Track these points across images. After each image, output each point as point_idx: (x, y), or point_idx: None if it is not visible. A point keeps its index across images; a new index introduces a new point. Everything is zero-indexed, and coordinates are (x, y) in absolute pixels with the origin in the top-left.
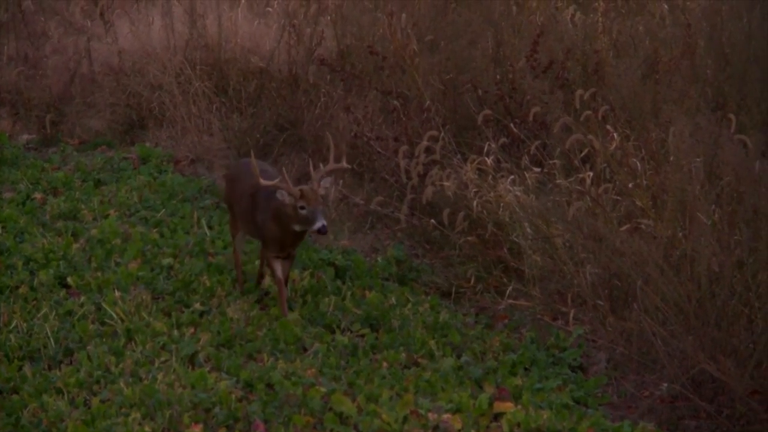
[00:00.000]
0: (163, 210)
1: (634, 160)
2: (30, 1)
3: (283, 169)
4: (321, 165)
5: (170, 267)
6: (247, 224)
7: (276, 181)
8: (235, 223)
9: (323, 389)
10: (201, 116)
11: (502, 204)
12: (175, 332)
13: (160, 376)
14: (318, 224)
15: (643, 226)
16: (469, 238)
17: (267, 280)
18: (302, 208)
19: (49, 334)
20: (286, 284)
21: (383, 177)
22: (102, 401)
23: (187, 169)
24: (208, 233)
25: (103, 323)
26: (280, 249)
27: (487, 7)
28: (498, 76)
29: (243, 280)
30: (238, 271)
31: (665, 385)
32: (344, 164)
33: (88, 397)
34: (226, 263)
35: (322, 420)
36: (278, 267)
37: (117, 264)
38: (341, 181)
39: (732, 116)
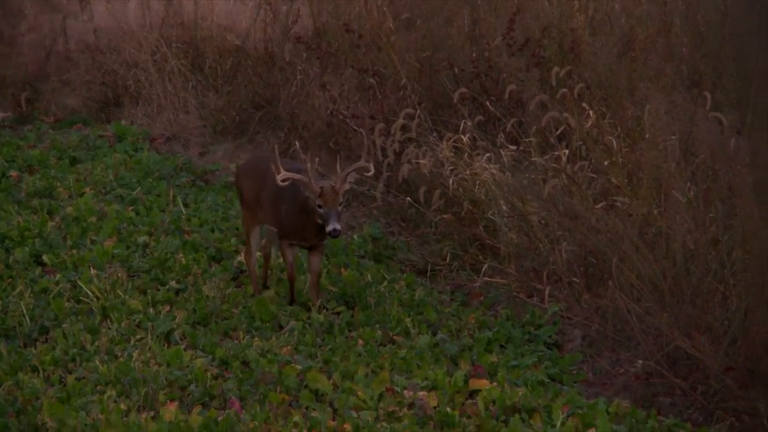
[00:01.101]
0: (139, 188)
1: (610, 137)
2: None
3: (308, 164)
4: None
5: (146, 245)
6: (269, 214)
7: (299, 175)
8: (254, 216)
9: (299, 367)
10: (177, 94)
11: (477, 182)
12: (151, 310)
13: (135, 354)
14: (330, 227)
15: (618, 204)
16: (445, 216)
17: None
18: (320, 206)
19: (25, 311)
20: (318, 284)
21: (359, 155)
22: (77, 379)
23: (162, 147)
24: (183, 211)
25: (78, 301)
26: (298, 238)
27: None
28: (474, 54)
29: (258, 281)
30: (252, 271)
31: (640, 362)
32: (370, 166)
33: (63, 375)
34: (240, 263)
35: (297, 397)
36: (291, 256)
37: (92, 242)
38: (317, 159)
39: (707, 94)
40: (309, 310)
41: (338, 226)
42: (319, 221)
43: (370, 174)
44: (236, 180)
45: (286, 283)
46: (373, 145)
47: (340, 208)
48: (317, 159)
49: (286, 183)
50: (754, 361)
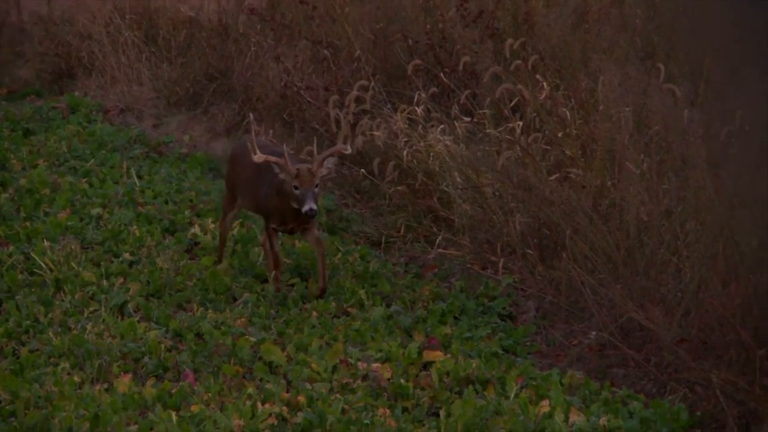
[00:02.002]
0: (93, 160)
1: (564, 109)
2: None
3: (285, 146)
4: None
5: (99, 217)
6: (250, 198)
7: (276, 157)
8: (233, 201)
9: (253, 339)
10: (130, 66)
11: (432, 153)
12: (105, 282)
13: (89, 326)
14: (305, 207)
15: (572, 176)
16: (399, 188)
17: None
18: (296, 188)
19: None
20: (324, 268)
21: (313, 126)
22: (31, 351)
23: (116, 119)
24: (137, 183)
25: (32, 273)
26: (281, 223)
27: None
28: (428, 26)
29: (222, 256)
30: (221, 247)
31: (594, 333)
32: (349, 148)
33: (16, 347)
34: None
35: (251, 369)
36: (276, 241)
37: (46, 214)
38: (271, 131)
39: (661, 66)
40: (263, 282)
41: (314, 206)
42: (294, 204)
43: (348, 153)
44: (229, 164)
45: (240, 255)
46: (336, 121)
47: (316, 190)
48: (271, 131)
49: (261, 161)
50: (707, 333)
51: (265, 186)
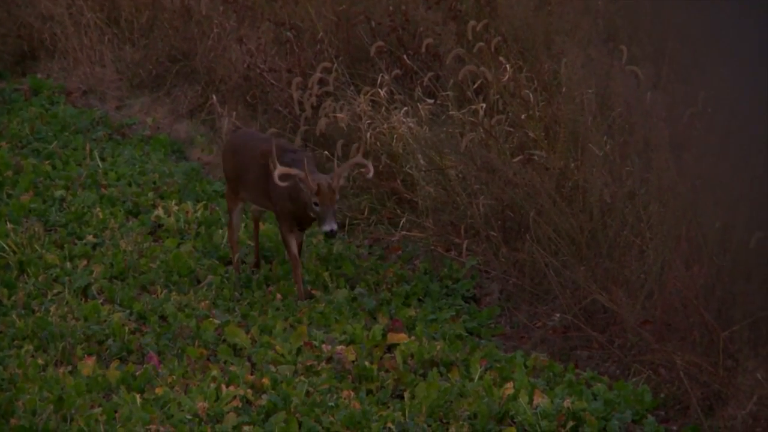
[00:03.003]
0: (55, 142)
1: (527, 91)
2: None
3: (305, 160)
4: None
5: (62, 199)
6: (258, 194)
7: (295, 170)
8: (236, 194)
9: (217, 321)
10: (93, 47)
11: (395, 135)
12: (68, 264)
13: (52, 309)
14: (326, 227)
15: (535, 158)
16: (363, 170)
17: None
18: (316, 204)
19: None
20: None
21: (276, 109)
22: None
23: (79, 101)
24: (100, 165)
25: None
26: (296, 224)
27: None
28: (391, 8)
29: (239, 260)
30: (233, 249)
31: (557, 315)
32: (369, 164)
33: None
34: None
35: (215, 352)
36: (293, 243)
37: (9, 196)
38: (234, 113)
39: (623, 48)
40: (227, 264)
41: (335, 227)
42: (311, 214)
43: (370, 176)
44: (222, 155)
45: (204, 237)
46: (299, 104)
47: (335, 208)
48: (234, 113)
49: (286, 183)
50: (671, 315)
51: (277, 189)
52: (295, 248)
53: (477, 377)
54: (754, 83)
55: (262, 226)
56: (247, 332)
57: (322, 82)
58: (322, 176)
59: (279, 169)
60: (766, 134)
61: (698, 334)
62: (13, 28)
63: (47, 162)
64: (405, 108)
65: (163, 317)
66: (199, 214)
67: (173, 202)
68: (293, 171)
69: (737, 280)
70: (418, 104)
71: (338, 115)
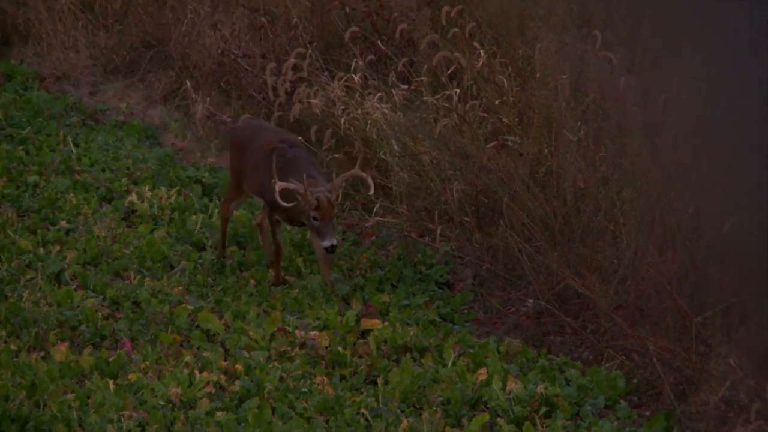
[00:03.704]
0: (29, 127)
1: (501, 77)
2: None
3: (305, 175)
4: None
5: (36, 185)
6: (256, 186)
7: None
8: (239, 190)
9: (190, 307)
10: (67, 33)
11: (369, 121)
12: (41, 250)
13: (25, 294)
14: (327, 243)
15: (509, 143)
16: (337, 156)
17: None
18: (315, 219)
19: None
20: (327, 262)
21: (251, 94)
22: None
23: (53, 87)
24: (74, 151)
25: None
26: (287, 219)
27: None
28: None
29: (224, 245)
30: (222, 238)
31: (531, 301)
32: (369, 178)
33: None
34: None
35: (189, 338)
36: (279, 230)
37: None
38: (208, 99)
39: (597, 33)
40: (200, 250)
41: (335, 242)
42: (312, 232)
43: (371, 192)
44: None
45: (177, 223)
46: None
47: (334, 222)
48: (208, 99)
49: (290, 204)
50: (644, 300)
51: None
52: (279, 235)
53: (450, 363)
54: (728, 68)
55: (235, 212)
56: (221, 318)
57: (296, 67)
58: (321, 189)
59: (279, 185)
60: (740, 120)
61: (671, 320)
62: None
63: (20, 147)
64: (379, 94)
65: (136, 303)
66: (172, 199)
67: (147, 188)
68: (292, 186)
69: (710, 265)
70: (392, 90)
71: (312, 100)
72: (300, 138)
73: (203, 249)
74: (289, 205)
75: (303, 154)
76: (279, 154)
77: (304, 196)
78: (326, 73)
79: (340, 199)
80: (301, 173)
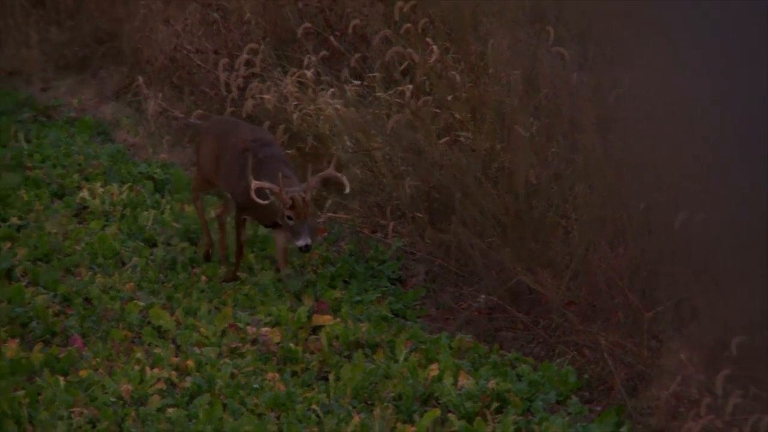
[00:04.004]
0: None
1: (454, 72)
2: None
3: (280, 174)
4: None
5: None
6: (229, 182)
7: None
8: (202, 183)
9: (141, 303)
10: (18, 29)
11: (322, 117)
12: None
13: None
14: (301, 242)
15: (462, 139)
16: (289, 151)
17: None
18: (290, 218)
19: None
20: (285, 254)
21: (203, 90)
22: None
23: (4, 83)
24: (25, 147)
25: None
26: (256, 218)
27: None
28: None
29: (211, 243)
30: (204, 227)
31: (483, 296)
32: (343, 178)
33: None
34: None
35: (140, 334)
36: (243, 230)
37: None
38: (160, 95)
39: (550, 29)
40: (152, 246)
41: (309, 242)
42: (287, 232)
43: (347, 191)
44: (200, 139)
45: (129, 219)
46: (226, 85)
47: (310, 221)
48: (160, 94)
49: (266, 202)
50: (596, 296)
51: (244, 181)
52: (243, 235)
53: (402, 359)
54: (679, 63)
55: (187, 208)
56: (172, 314)
57: (248, 63)
58: (295, 189)
59: (254, 184)
60: (692, 114)
61: (623, 315)
62: None
63: None
64: (332, 89)
65: (87, 299)
66: (124, 196)
67: (98, 184)
68: (267, 185)
69: (662, 260)
70: (345, 86)
71: (265, 96)
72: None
73: (155, 245)
74: (264, 203)
75: (277, 152)
76: (252, 153)
77: (279, 196)
78: (279, 69)
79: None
80: (276, 173)
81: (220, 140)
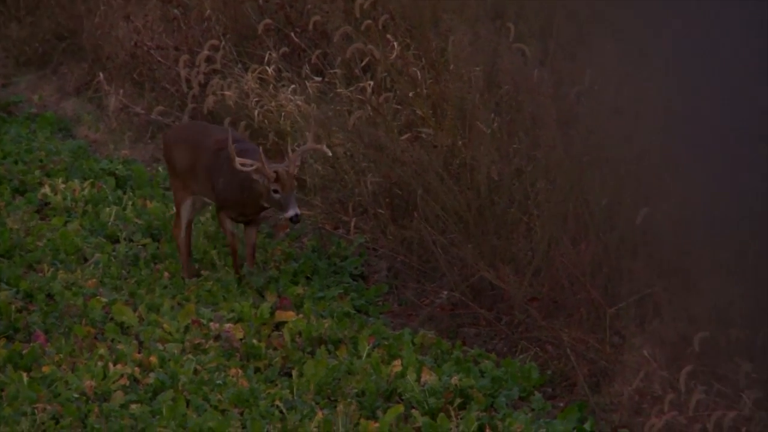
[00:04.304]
0: None
1: (415, 69)
2: None
3: (260, 148)
4: (297, 146)
5: None
6: (205, 185)
7: (251, 161)
8: (185, 186)
9: (104, 299)
10: None
11: (283, 113)
12: None
13: None
14: (290, 212)
15: (423, 135)
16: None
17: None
18: (275, 191)
19: None
20: (254, 251)
21: (164, 86)
22: None
23: None
24: None
25: None
26: (238, 215)
27: None
28: None
29: (190, 261)
30: (182, 248)
31: (445, 293)
32: (324, 147)
33: None
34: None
35: (103, 330)
36: (230, 223)
37: None
38: (121, 91)
39: (511, 25)
40: (114, 242)
41: (298, 211)
42: (267, 204)
43: (329, 155)
44: (165, 148)
45: (91, 215)
46: (186, 82)
47: (295, 193)
48: (121, 90)
49: (246, 170)
50: (558, 292)
51: (223, 174)
52: (232, 229)
53: (365, 355)
54: (640, 59)
55: (149, 205)
56: (135, 310)
57: (209, 59)
58: (278, 165)
59: (237, 160)
60: (652, 110)
61: (585, 311)
62: None
63: None
64: (293, 86)
65: (50, 296)
66: (86, 192)
67: (60, 180)
68: (249, 161)
69: (624, 256)
70: (306, 82)
71: (226, 92)
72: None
73: (117, 242)
74: (251, 169)
75: (252, 147)
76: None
77: (263, 170)
78: (240, 65)
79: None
80: (256, 156)
81: (193, 145)
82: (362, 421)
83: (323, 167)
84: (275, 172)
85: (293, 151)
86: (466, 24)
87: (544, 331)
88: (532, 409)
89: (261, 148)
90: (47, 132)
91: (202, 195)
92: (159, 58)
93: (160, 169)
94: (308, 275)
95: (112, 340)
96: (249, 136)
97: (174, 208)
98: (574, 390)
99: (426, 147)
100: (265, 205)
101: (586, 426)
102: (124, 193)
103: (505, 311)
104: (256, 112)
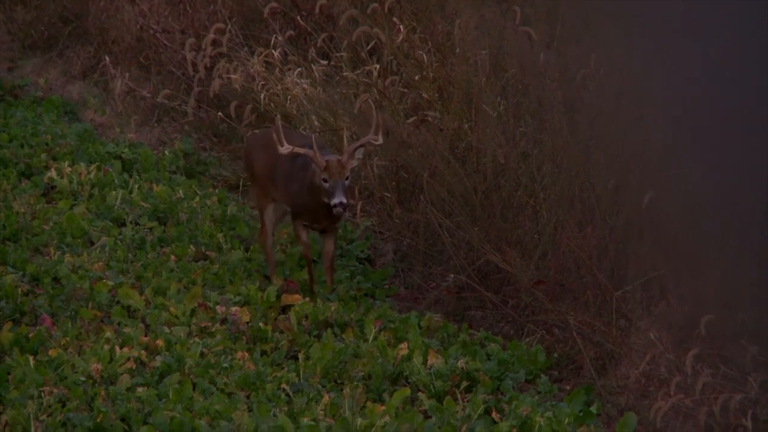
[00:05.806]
0: None
1: (421, 52)
2: None
3: (314, 137)
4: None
5: None
6: (282, 191)
7: (305, 148)
8: (266, 193)
9: (110, 283)
10: None
11: (289, 97)
12: None
13: None
14: (335, 200)
15: (429, 119)
16: (257, 131)
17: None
18: (325, 180)
19: None
20: (332, 264)
21: (170, 70)
22: None
23: None
24: None
25: None
26: (311, 220)
27: None
28: None
29: (274, 263)
30: (268, 253)
31: (452, 276)
32: (380, 139)
33: None
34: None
35: (109, 313)
36: (304, 232)
37: None
38: (127, 74)
39: (517, 8)
40: (121, 225)
41: (344, 200)
42: (325, 198)
43: (379, 143)
44: (245, 154)
45: (97, 198)
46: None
47: (346, 182)
48: (127, 74)
49: (287, 151)
50: (564, 275)
51: (297, 182)
52: (306, 239)
53: (371, 338)
54: (645, 43)
55: (156, 188)
56: (141, 294)
57: (215, 43)
58: (332, 155)
59: (285, 147)
60: (658, 94)
61: (591, 294)
62: None
63: None
64: (299, 69)
65: (56, 279)
66: (92, 175)
67: (66, 164)
68: (302, 150)
69: (630, 240)
70: (312, 65)
71: (232, 76)
72: (220, 114)
73: (123, 225)
74: (309, 151)
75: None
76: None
77: (314, 158)
78: (246, 49)
79: (354, 165)
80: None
81: (272, 152)
82: (369, 404)
83: (330, 150)
84: (326, 160)
85: (349, 143)
86: (473, 7)
87: (550, 314)
88: (539, 392)
89: (315, 139)
90: (53, 115)
91: (281, 202)
92: (165, 42)
93: (166, 152)
94: (315, 259)
95: (119, 324)
96: (255, 119)
97: (258, 215)
98: (580, 373)
99: (432, 130)
100: (325, 199)
101: (593, 409)
102: (131, 176)
103: (511, 294)
104: (262, 96)
